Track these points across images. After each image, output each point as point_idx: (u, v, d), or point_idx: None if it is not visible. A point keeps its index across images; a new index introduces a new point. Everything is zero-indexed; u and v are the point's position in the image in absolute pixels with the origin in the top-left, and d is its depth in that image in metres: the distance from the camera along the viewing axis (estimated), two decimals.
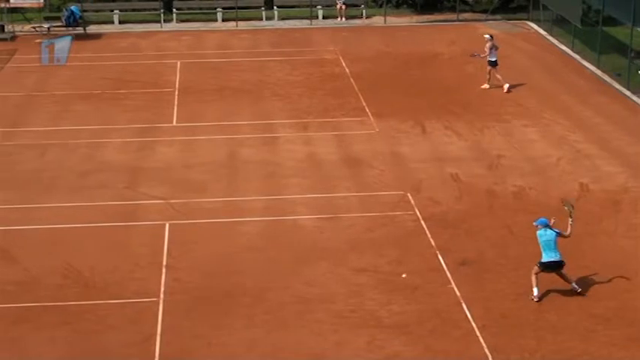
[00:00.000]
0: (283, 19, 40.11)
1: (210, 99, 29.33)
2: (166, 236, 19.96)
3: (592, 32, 33.88)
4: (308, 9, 39.90)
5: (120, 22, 39.51)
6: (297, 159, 24.31)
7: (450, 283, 17.94)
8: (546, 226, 17.32)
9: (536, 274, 17.25)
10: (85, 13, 38.91)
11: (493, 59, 29.66)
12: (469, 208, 21.27)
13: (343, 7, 39.81)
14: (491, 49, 29.58)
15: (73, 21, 37.69)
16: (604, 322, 16.61)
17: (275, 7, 40.28)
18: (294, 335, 16.33)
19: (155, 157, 24.55)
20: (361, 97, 29.25)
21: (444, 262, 18.73)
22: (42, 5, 38.30)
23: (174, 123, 27.20)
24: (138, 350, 15.92)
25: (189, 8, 40.49)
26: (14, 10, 38.38)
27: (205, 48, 35.86)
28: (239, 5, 39.76)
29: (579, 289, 17.40)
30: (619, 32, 34.13)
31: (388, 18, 39.98)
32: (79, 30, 37.44)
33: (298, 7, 40.79)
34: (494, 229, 20.23)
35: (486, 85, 29.89)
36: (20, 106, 28.80)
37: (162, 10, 39.27)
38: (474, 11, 41.01)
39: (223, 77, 31.66)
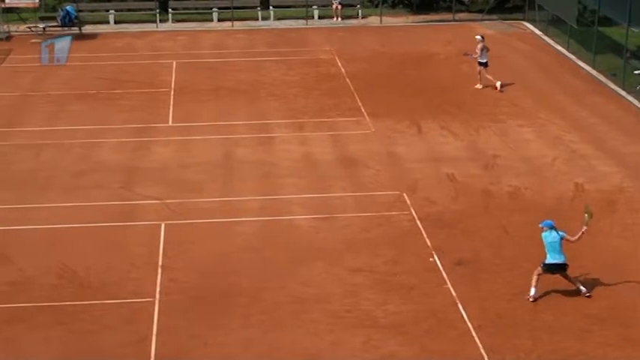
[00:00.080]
0: (279, 19, 40.09)
1: (206, 99, 29.30)
2: (162, 236, 19.94)
3: (587, 32, 33.90)
4: (304, 9, 39.88)
5: (115, 22, 39.45)
6: (293, 159, 24.30)
7: (446, 284, 17.95)
8: (552, 227, 17.25)
9: (539, 274, 17.18)
10: (81, 13, 38.90)
11: (484, 60, 29.69)
12: (465, 208, 21.27)
13: (339, 7, 39.80)
14: (482, 50, 29.60)
15: (68, 21, 37.68)
16: (599, 323, 16.61)
17: (271, 7, 40.24)
18: (290, 335, 16.32)
19: (151, 157, 24.52)
20: (357, 97, 29.24)
21: (440, 262, 18.72)
22: (37, 5, 38.19)
23: (170, 123, 27.17)
24: (134, 350, 15.90)
25: (184, 8, 40.43)
26: (9, 10, 38.29)
27: (201, 48, 35.83)
28: (235, 5, 39.73)
29: (587, 292, 17.27)
30: (614, 32, 34.20)
31: (384, 18, 40.00)
32: (75, 30, 37.40)
33: (294, 7, 40.74)
34: (490, 229, 20.23)
35: (479, 85, 29.91)
36: (15, 106, 28.76)
37: (157, 10, 39.20)
38: (469, 11, 40.98)
39: (219, 77, 31.63)
